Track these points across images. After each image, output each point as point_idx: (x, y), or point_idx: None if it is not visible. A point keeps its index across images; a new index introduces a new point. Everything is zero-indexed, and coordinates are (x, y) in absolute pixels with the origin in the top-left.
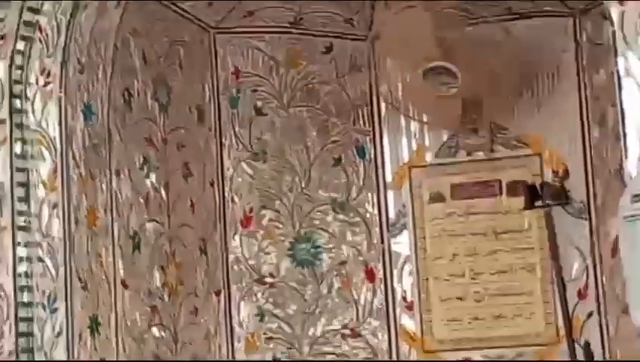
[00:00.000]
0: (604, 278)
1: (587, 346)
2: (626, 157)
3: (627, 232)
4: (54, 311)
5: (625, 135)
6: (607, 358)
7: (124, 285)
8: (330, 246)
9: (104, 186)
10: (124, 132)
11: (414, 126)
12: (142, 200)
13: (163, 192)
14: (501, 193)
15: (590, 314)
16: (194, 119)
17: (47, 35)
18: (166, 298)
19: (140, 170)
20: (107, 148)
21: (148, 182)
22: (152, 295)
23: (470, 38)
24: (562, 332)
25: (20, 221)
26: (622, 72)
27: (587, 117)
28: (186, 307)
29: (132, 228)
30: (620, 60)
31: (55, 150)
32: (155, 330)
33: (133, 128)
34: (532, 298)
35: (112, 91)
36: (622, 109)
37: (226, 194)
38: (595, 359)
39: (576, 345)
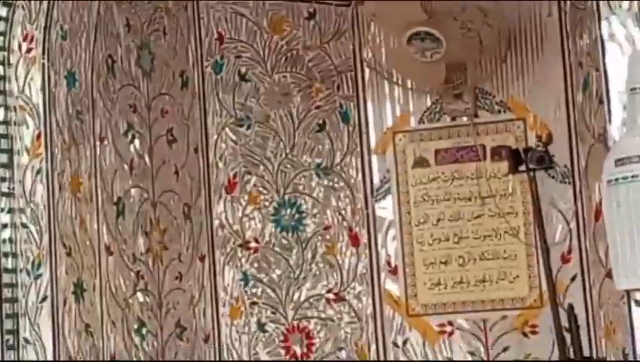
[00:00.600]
0: (587, 242)
1: (571, 309)
2: (610, 122)
3: (610, 196)
4: (38, 276)
5: (608, 100)
6: (590, 321)
7: (109, 251)
8: (315, 211)
9: (88, 153)
10: (108, 98)
11: (398, 91)
12: (126, 167)
13: (147, 158)
14: (485, 158)
15: (574, 278)
16: (178, 85)
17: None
18: (150, 263)
19: (123, 136)
20: (91, 115)
21: (132, 148)
22: (136, 260)
23: (454, 3)
24: (546, 295)
25: (4, 187)
26: (605, 37)
27: (571, 82)
28: (171, 272)
29: (116, 194)
30: (604, 25)
31: (38, 116)
32: (139, 295)
33: (116, 95)
34: (516, 262)
35: (96, 58)
36: (605, 74)
37: (210, 160)
38: (579, 323)
39: (559, 309)
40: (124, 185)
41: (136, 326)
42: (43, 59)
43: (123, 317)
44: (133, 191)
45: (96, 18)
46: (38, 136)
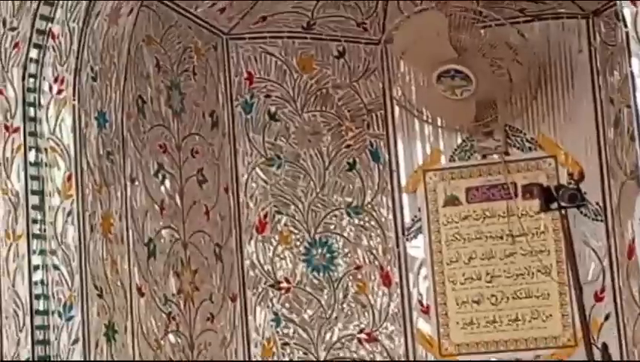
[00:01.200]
0: (620, 280)
1: (605, 348)
2: None
3: None
4: (70, 318)
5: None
6: (625, 360)
7: (140, 292)
8: (346, 250)
9: (119, 193)
10: (138, 139)
11: (428, 129)
12: (157, 207)
13: (178, 199)
14: (516, 196)
15: (607, 317)
16: (208, 125)
17: (60, 42)
18: (182, 304)
19: (154, 176)
20: (121, 155)
21: (162, 188)
22: (167, 301)
23: (484, 40)
24: (579, 334)
25: (35, 229)
26: (636, 73)
27: (602, 118)
28: (202, 313)
29: (147, 235)
30: (634, 61)
31: (69, 157)
32: (171, 337)
33: (147, 135)
34: (549, 301)
35: (126, 98)
36: (637, 110)
37: (241, 200)
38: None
39: (593, 348)
40: (155, 225)
41: None
42: (74, 100)
43: (155, 358)
44: (164, 231)
45: (127, 58)
46: (69, 177)
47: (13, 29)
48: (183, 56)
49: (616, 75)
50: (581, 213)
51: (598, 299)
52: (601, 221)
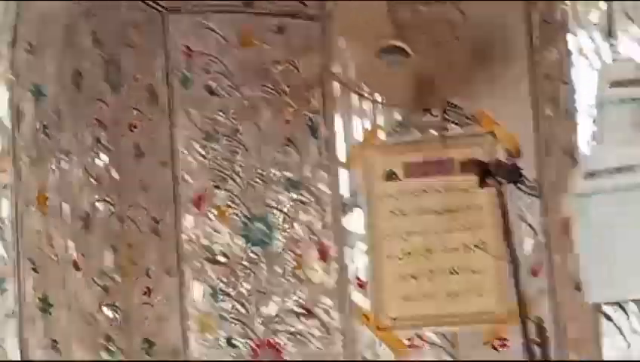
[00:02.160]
0: (555, 255)
1: (540, 322)
2: (578, 135)
3: (580, 210)
4: (4, 292)
5: (576, 113)
6: (560, 334)
7: (76, 266)
8: (284, 225)
9: (54, 167)
10: (75, 113)
11: (367, 105)
12: (93, 181)
13: (114, 173)
14: (454, 171)
15: (543, 291)
16: (146, 100)
17: None
18: (118, 278)
19: (90, 150)
20: (57, 129)
21: (99, 162)
22: (103, 275)
23: (424, 17)
24: (515, 309)
25: None
26: (573, 51)
27: (539, 95)
28: (138, 287)
29: (83, 209)
30: (572, 39)
31: (5, 131)
32: (106, 310)
33: (83, 109)
34: (485, 275)
35: (63, 72)
36: (573, 87)
37: (178, 175)
38: (548, 336)
39: (528, 323)
40: (91, 199)
41: (103, 342)
42: (10, 74)
43: (90, 332)
44: (100, 205)
45: (63, 32)
46: (4, 151)
47: None
48: (121, 30)
49: (554, 52)
50: (518, 188)
51: (534, 273)
52: (538, 197)
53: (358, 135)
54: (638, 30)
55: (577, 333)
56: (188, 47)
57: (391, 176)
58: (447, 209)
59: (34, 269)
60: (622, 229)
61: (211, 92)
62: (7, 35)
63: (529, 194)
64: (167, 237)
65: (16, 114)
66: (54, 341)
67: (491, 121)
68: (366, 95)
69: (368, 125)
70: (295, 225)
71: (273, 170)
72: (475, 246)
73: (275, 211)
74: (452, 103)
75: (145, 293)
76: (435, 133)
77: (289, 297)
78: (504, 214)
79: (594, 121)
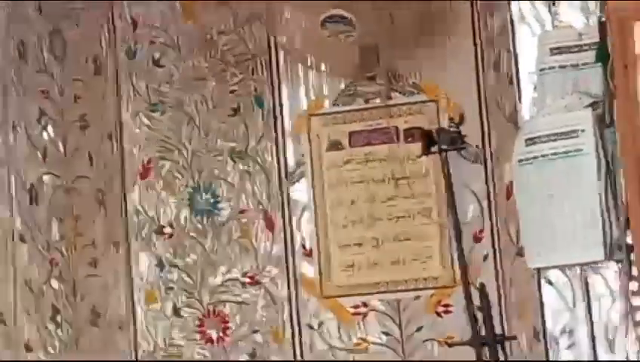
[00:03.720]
0: (498, 221)
1: (482, 288)
2: (520, 102)
3: (521, 176)
4: None
5: (519, 80)
6: (502, 300)
7: (22, 239)
8: (230, 195)
9: (0, 140)
10: (20, 85)
11: (312, 75)
12: (38, 154)
13: (60, 145)
14: (398, 139)
15: (485, 257)
16: (91, 71)
17: None
18: (64, 250)
19: (36, 122)
20: (2, 102)
21: (44, 134)
22: (50, 247)
23: None
24: (458, 275)
25: None
26: (515, 18)
27: (482, 62)
28: (85, 259)
29: (29, 182)
30: (514, 5)
31: None
32: (54, 283)
33: (28, 81)
34: (429, 242)
35: (7, 43)
36: (515, 55)
37: (124, 146)
38: (490, 301)
39: (472, 288)
40: (37, 172)
41: (50, 314)
42: None
43: (37, 304)
44: (46, 178)
45: (6, 3)
46: None
47: None
48: (66, 1)
49: (496, 19)
50: (461, 156)
51: (477, 239)
52: (481, 164)
53: (303, 104)
54: None
55: (520, 298)
56: (133, 18)
57: (336, 145)
58: (391, 177)
59: None
60: (563, 195)
61: (156, 63)
62: None
63: (472, 161)
64: (114, 208)
65: None
66: (0, 313)
67: (435, 89)
68: (311, 64)
69: (313, 95)
70: (241, 195)
71: (219, 141)
72: (419, 213)
73: (221, 181)
74: (396, 72)
75: (91, 265)
76: (380, 102)
77: (235, 267)
78: (447, 181)
79: (535, 88)
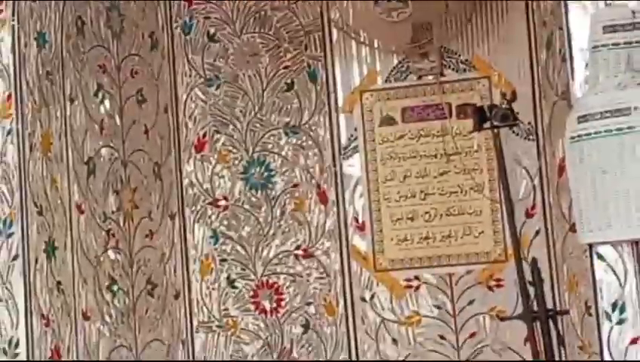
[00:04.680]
0: (550, 198)
1: (534, 263)
2: (573, 80)
3: (573, 152)
4: (10, 235)
5: (571, 58)
6: (554, 275)
7: (80, 209)
8: (283, 169)
9: (58, 113)
10: (78, 59)
11: (365, 51)
12: (96, 127)
13: (117, 118)
14: (450, 115)
15: (537, 233)
16: (147, 46)
17: None
18: (121, 221)
19: (93, 96)
20: (61, 75)
21: (102, 108)
22: (107, 219)
23: None
24: (510, 250)
25: None
26: None
27: (535, 40)
28: (141, 230)
29: (87, 154)
30: None
31: (9, 77)
32: (110, 253)
33: (86, 55)
34: (481, 217)
35: (65, 19)
36: (568, 33)
37: (180, 120)
38: (542, 276)
39: (523, 263)
40: (95, 145)
41: (107, 284)
42: (13, 20)
43: (94, 274)
44: (103, 150)
45: None
46: (9, 96)
47: None
48: None
49: None
50: (513, 132)
51: (529, 215)
52: (533, 140)
53: (356, 80)
54: None
55: (571, 274)
56: None
57: (389, 120)
58: (443, 152)
59: (39, 213)
60: (614, 171)
61: (211, 38)
62: None
63: (524, 137)
64: (169, 181)
65: (21, 60)
66: (59, 283)
67: (487, 66)
68: (364, 41)
69: (366, 71)
70: (295, 168)
71: (273, 115)
72: (471, 188)
73: (274, 155)
74: (449, 49)
75: (147, 236)
76: (432, 79)
77: (288, 239)
78: (499, 157)
79: (587, 66)
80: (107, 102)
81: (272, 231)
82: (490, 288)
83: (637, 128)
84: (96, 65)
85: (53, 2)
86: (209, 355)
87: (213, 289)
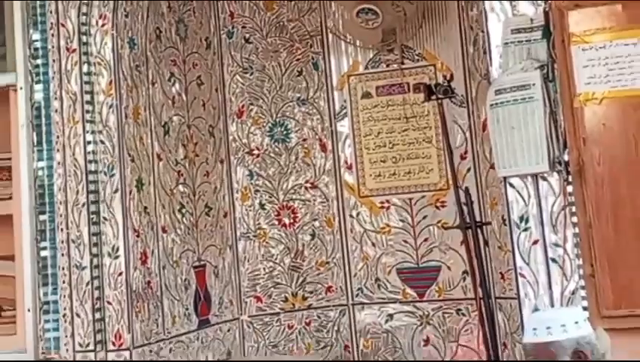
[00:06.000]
0: (477, 146)
1: (467, 190)
2: (491, 66)
3: (492, 115)
4: (112, 175)
5: (490, 51)
6: (480, 198)
7: (159, 157)
8: (296, 129)
9: (144, 92)
10: (157, 56)
11: (351, 48)
12: (169, 102)
13: (184, 95)
14: (409, 91)
15: (469, 170)
16: (204, 47)
17: None
18: (187, 165)
19: (168, 81)
20: (145, 67)
21: (173, 89)
22: (177, 163)
23: None
24: (450, 181)
25: (88, 116)
26: (488, 9)
27: (465, 39)
28: (201, 171)
29: (163, 120)
30: (487, 2)
31: (110, 69)
32: (180, 187)
33: (162, 53)
34: (430, 160)
35: (148, 29)
36: (488, 34)
37: (227, 96)
38: (472, 199)
39: (459, 190)
40: (169, 113)
41: (178, 208)
42: (112, 30)
43: (169, 201)
44: (175, 118)
45: (148, 2)
46: (110, 82)
47: None
48: (186, 0)
49: (475, 11)
50: (452, 102)
51: (463, 158)
52: (465, 107)
53: (345, 68)
54: None
55: (492, 197)
56: (231, 12)
57: (367, 95)
58: (404, 116)
59: (131, 160)
60: (520, 128)
61: (247, 41)
62: (111, 4)
63: (459, 105)
64: (220, 137)
65: (118, 57)
66: (145, 207)
67: (434, 57)
68: (350, 41)
69: (351, 62)
70: (304, 128)
71: (289, 92)
72: (424, 140)
73: (290, 119)
74: (407, 46)
75: (205, 175)
76: (396, 66)
77: (300, 176)
78: (442, 119)
79: (501, 56)
80: (177, 85)
81: (289, 171)
82: (437, 207)
83: (535, 98)
84: (169, 60)
85: (139, 17)
86: (248, 256)
87: (250, 210)
